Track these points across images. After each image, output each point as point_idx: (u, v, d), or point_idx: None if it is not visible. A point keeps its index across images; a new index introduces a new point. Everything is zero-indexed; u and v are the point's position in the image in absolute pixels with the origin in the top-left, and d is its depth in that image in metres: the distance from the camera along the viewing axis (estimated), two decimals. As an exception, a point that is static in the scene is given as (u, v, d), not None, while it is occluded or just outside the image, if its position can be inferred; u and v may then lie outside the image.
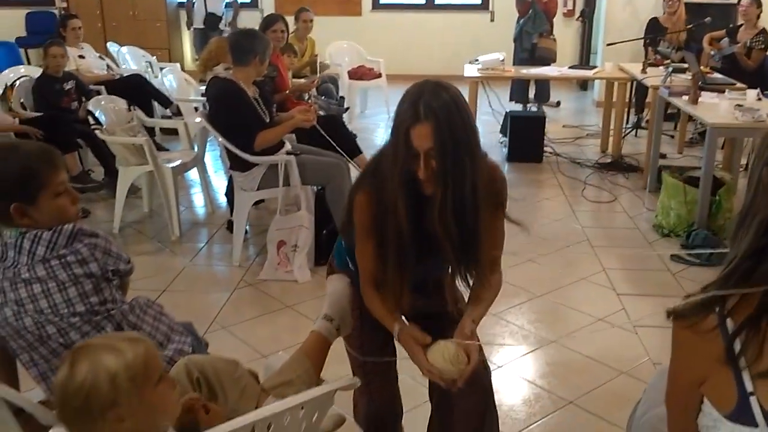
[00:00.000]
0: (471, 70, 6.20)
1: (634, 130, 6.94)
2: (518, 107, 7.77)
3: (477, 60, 6.34)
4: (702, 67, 5.52)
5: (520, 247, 4.25)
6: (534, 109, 7.89)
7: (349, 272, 1.98)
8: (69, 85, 5.02)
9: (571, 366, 3.01)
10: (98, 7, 9.44)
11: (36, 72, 5.67)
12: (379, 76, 7.81)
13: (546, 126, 6.23)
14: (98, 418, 1.26)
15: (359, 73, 7.73)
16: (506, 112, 6.57)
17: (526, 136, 6.11)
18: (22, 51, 9.06)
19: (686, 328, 1.17)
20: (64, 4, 9.79)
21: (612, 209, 5.03)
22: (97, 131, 4.49)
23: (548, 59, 7.41)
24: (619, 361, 3.03)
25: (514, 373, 2.96)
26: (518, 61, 7.64)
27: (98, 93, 5.31)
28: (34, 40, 9.56)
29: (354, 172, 4.37)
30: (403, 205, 1.68)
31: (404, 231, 1.70)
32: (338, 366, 2.09)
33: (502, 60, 6.17)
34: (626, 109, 6.63)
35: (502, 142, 6.60)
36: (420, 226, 1.72)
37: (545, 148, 6.20)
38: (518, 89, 7.96)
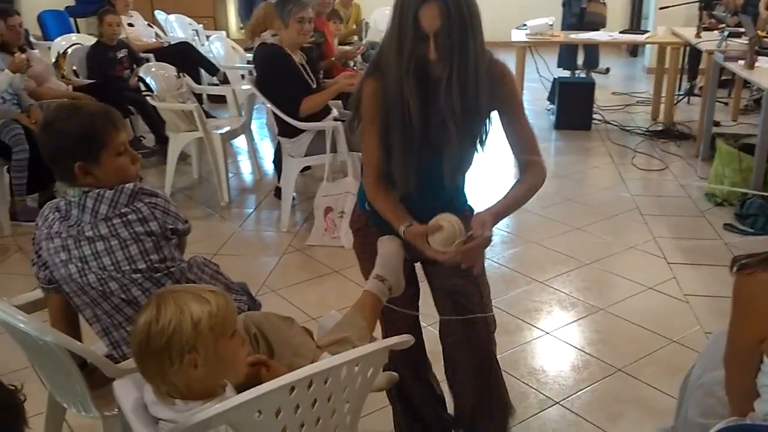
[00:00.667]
0: (518, 36, 6.10)
1: (687, 97, 6.76)
2: (566, 74, 7.63)
3: (524, 25, 6.23)
4: (759, 32, 5.32)
5: (567, 215, 4.22)
6: (582, 75, 7.74)
7: (368, 214, 1.99)
8: (122, 53, 5.10)
9: (620, 334, 2.99)
10: (145, -24, 9.51)
11: (87, 40, 5.77)
12: (425, 42, 7.72)
13: (595, 93, 6.11)
14: (175, 361, 1.31)
15: (404, 40, 7.65)
16: (554, 79, 6.46)
17: (574, 104, 6.01)
18: (71, 20, 9.19)
19: (749, 282, 1.15)
20: (113, -26, 9.90)
21: (663, 177, 4.93)
22: (148, 98, 4.56)
23: (598, 24, 7.25)
24: (669, 329, 2.99)
25: (562, 340, 2.95)
26: (566, 26, 7.49)
27: (147, 60, 5.38)
28: (83, 9, 9.69)
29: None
30: (412, 90, 1.71)
31: (414, 114, 1.73)
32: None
33: (551, 25, 6.04)
34: (679, 76, 6.46)
35: (549, 110, 6.50)
36: (425, 114, 1.75)
37: (594, 116, 6.09)
38: (566, 55, 7.81)
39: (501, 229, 4.06)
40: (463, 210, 2.04)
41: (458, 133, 1.77)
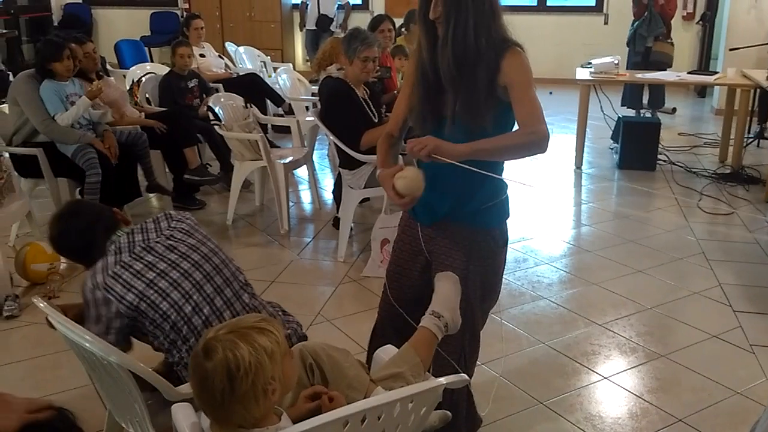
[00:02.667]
0: (583, 74, 6.06)
1: (757, 140, 6.56)
2: (631, 112, 7.52)
3: (590, 63, 6.19)
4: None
5: (629, 257, 4.13)
6: (648, 115, 7.62)
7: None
8: (192, 83, 5.28)
9: (682, 383, 2.89)
10: (218, 8, 9.88)
11: (160, 69, 6.00)
12: (487, 78, 7.75)
13: (660, 133, 5.99)
14: (260, 396, 1.34)
15: (467, 75, 7.69)
16: (618, 118, 6.37)
17: (639, 143, 5.91)
18: (146, 49, 9.59)
19: None
20: (186, 5, 10.31)
21: (730, 222, 4.78)
22: (216, 127, 4.70)
23: (664, 63, 7.14)
24: (733, 380, 2.88)
25: (621, 386, 2.87)
26: (631, 65, 7.41)
27: (217, 90, 5.55)
28: (157, 39, 10.13)
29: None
30: (424, 45, 2.03)
31: (425, 63, 2.03)
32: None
33: (617, 64, 5.98)
34: (748, 118, 6.28)
35: (612, 149, 6.41)
36: (435, 66, 2.02)
37: (659, 156, 5.98)
38: (631, 94, 7.71)
39: (559, 269, 4.01)
40: (478, 208, 2.16)
41: (458, 91, 1.99)
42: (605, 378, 2.92)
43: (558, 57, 9.53)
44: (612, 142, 6.48)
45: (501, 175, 2.19)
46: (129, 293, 1.86)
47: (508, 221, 2.28)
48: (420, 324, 1.82)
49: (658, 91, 7.78)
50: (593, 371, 2.96)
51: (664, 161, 6.02)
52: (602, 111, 6.58)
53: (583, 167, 6.02)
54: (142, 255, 1.91)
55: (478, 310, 2.20)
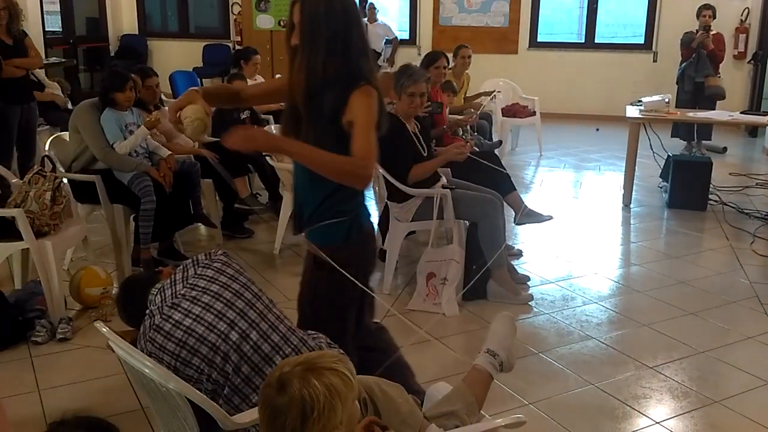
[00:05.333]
0: (633, 112, 6.01)
1: (812, 182, 6.41)
2: (681, 149, 7.45)
3: (639, 101, 6.15)
4: None
5: (680, 299, 4.05)
6: (698, 154, 7.51)
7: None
8: (245, 114, 5.39)
9: (736, 430, 2.81)
10: (268, 41, 10.10)
11: (213, 100, 6.13)
12: (533, 114, 7.77)
13: (712, 173, 5.90)
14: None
15: (513, 111, 7.72)
16: (668, 156, 6.30)
17: (689, 182, 5.82)
18: (199, 80, 9.85)
19: None
20: (238, 38, 10.57)
21: (785, 265, 4.66)
22: (267, 157, 4.78)
23: (719, 96, 7.22)
24: (792, 430, 2.78)
25: (673, 432, 2.80)
26: (681, 102, 7.36)
27: (268, 122, 5.66)
28: (209, 71, 10.40)
29: (508, 210, 4.37)
30: (288, 66, 2.19)
31: (291, 86, 2.19)
32: (492, 402, 2.09)
33: (668, 102, 5.93)
34: (803, 159, 6.16)
35: (662, 187, 6.32)
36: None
37: (710, 196, 5.87)
38: (683, 126, 7.69)
39: (608, 308, 3.95)
40: (310, 216, 2.25)
41: (308, 118, 2.12)
42: (657, 423, 2.85)
43: (605, 94, 9.49)
44: (661, 180, 6.40)
45: (344, 196, 2.23)
46: (165, 355, 1.88)
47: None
48: (474, 362, 1.81)
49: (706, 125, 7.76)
50: (644, 415, 2.90)
51: (715, 201, 5.91)
52: (651, 149, 6.52)
53: (631, 206, 5.94)
54: (170, 314, 1.91)
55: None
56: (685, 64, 7.54)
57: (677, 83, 7.65)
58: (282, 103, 2.42)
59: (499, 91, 6.95)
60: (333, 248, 2.22)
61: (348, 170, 2.04)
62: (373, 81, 2.13)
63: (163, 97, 6.73)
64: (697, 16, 7.55)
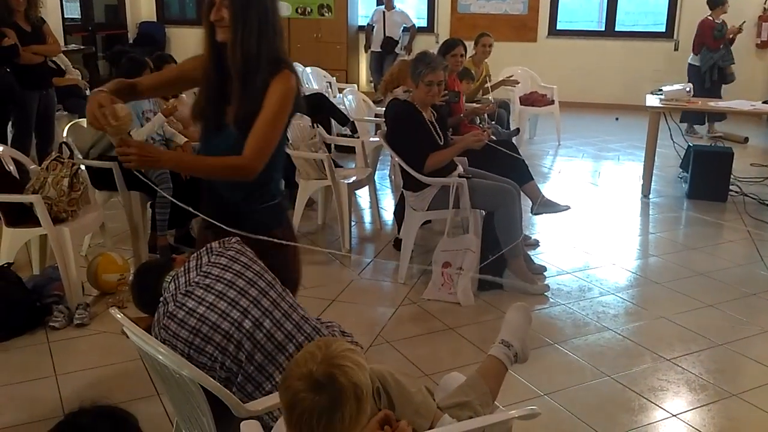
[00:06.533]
0: (653, 101, 5.94)
1: (836, 173, 6.30)
2: (701, 141, 7.36)
3: (660, 90, 6.07)
4: None
5: (698, 290, 4.00)
6: (719, 144, 7.43)
7: None
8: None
9: (754, 424, 2.77)
10: (286, 29, 10.07)
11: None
12: (552, 102, 7.70)
13: (733, 163, 5.82)
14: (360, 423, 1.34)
15: (531, 99, 7.66)
16: (688, 146, 6.22)
17: (710, 173, 5.74)
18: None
19: None
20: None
21: (807, 258, 4.59)
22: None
23: (732, 75, 7.63)
24: (812, 425, 2.74)
25: (690, 425, 2.76)
26: (706, 92, 7.33)
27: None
28: (227, 59, 10.39)
29: (524, 199, 4.33)
30: (206, 47, 2.11)
31: (208, 68, 2.12)
32: (507, 393, 2.07)
33: (689, 91, 5.85)
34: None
35: (682, 178, 6.25)
36: (221, 72, 2.10)
37: (730, 187, 5.79)
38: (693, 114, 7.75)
39: (625, 299, 3.91)
40: (240, 205, 2.20)
41: (240, 99, 2.06)
42: (673, 416, 2.82)
43: (625, 83, 9.38)
44: (681, 170, 6.32)
45: (267, 182, 2.22)
46: (178, 342, 1.88)
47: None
48: (489, 353, 1.80)
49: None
50: (661, 407, 2.87)
51: (736, 192, 5.83)
52: (672, 139, 6.44)
53: (650, 196, 5.88)
54: (184, 302, 1.90)
55: None
56: (717, 54, 7.68)
57: (704, 74, 7.67)
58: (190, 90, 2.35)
59: (517, 82, 6.88)
60: (273, 234, 2.20)
61: (233, 175, 2.09)
62: (291, 65, 2.13)
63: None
64: (720, 4, 7.55)
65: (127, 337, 1.85)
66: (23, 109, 5.35)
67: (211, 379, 1.74)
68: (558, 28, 9.90)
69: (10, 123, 5.49)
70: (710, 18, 7.77)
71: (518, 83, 6.79)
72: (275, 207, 2.25)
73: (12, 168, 3.80)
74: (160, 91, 2.48)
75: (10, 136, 5.41)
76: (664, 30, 9.56)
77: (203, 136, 2.25)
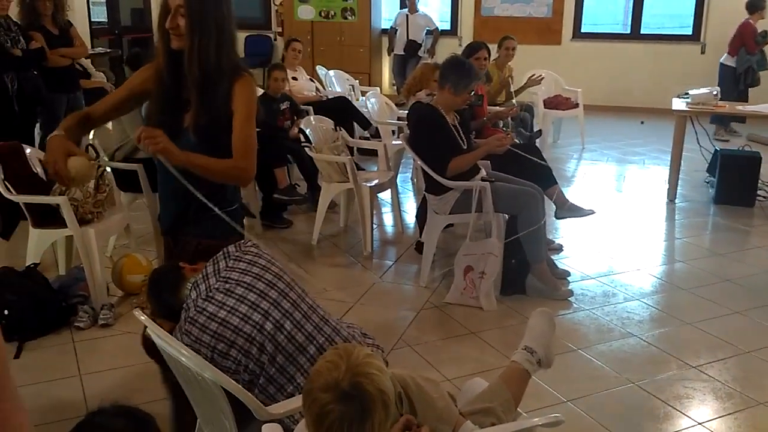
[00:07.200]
0: (679, 104, 5.86)
1: None
2: (729, 146, 7.25)
3: (686, 94, 5.99)
4: None
5: (725, 297, 3.94)
6: (747, 148, 7.31)
7: None
8: (284, 105, 5.41)
9: (784, 434, 2.72)
10: (309, 32, 10.13)
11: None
12: (576, 106, 7.64)
13: (761, 168, 5.72)
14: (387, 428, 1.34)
15: (555, 103, 7.61)
16: (715, 150, 6.13)
17: (737, 178, 5.65)
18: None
19: None
20: (279, 29, 10.62)
21: (837, 264, 4.50)
22: (306, 148, 4.79)
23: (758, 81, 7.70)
24: (843, 436, 2.69)
25: (716, 434, 2.73)
26: (737, 95, 7.31)
27: (307, 113, 5.67)
28: (251, 62, 10.44)
29: (548, 203, 4.30)
30: (161, 55, 2.10)
31: (162, 77, 2.12)
32: (530, 399, 2.05)
33: (716, 95, 5.76)
34: None
35: (708, 182, 6.16)
36: (177, 79, 2.10)
37: (758, 192, 5.70)
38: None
39: (650, 305, 3.86)
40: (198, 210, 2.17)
41: (200, 107, 2.06)
42: (699, 423, 2.78)
43: (651, 86, 9.28)
44: (708, 175, 6.23)
45: (225, 188, 2.24)
46: (201, 347, 1.88)
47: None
48: (512, 359, 1.78)
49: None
50: (686, 415, 2.83)
51: (764, 197, 5.74)
52: (698, 143, 6.35)
53: (676, 201, 5.80)
54: (205, 306, 1.91)
55: None
56: (754, 58, 7.77)
57: (739, 77, 7.68)
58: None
59: (542, 77, 6.79)
60: (227, 240, 2.19)
61: (234, 175, 2.14)
62: (248, 70, 2.16)
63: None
64: (759, 9, 7.75)
65: (145, 340, 1.87)
66: (50, 112, 5.42)
67: (233, 381, 1.75)
68: (582, 31, 9.82)
69: (37, 125, 5.57)
70: (750, 21, 7.84)
71: (542, 77, 6.70)
72: (233, 214, 2.24)
73: (39, 170, 3.85)
74: (114, 113, 2.37)
75: (37, 138, 5.49)
76: (690, 33, 9.45)
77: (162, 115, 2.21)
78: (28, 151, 3.94)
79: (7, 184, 3.64)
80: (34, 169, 3.81)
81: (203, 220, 2.20)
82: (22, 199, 3.63)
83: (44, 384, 3.00)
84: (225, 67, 2.07)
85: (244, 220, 5.12)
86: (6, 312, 3.35)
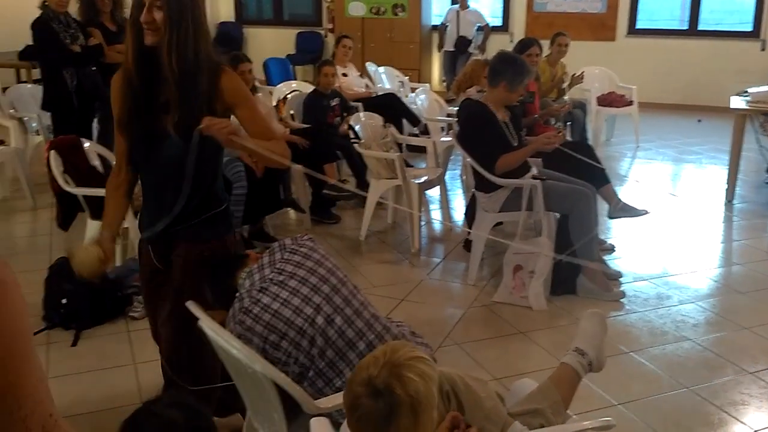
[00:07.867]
0: (738, 103, 5.69)
1: None
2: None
3: (746, 92, 5.80)
4: None
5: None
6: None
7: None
8: (334, 102, 5.44)
9: None
10: (360, 29, 10.15)
11: (305, 87, 6.22)
12: (630, 103, 7.48)
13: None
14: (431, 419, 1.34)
15: (608, 100, 7.46)
16: (776, 150, 5.93)
17: (799, 178, 5.46)
18: (291, 67, 10.02)
19: None
20: (330, 26, 10.68)
21: None
22: (355, 145, 4.81)
23: None
24: None
25: (774, 443, 2.64)
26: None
27: (357, 109, 5.69)
28: (302, 58, 10.56)
29: (601, 203, 4.22)
30: (131, 52, 1.99)
31: (131, 76, 2.02)
32: (579, 402, 2.02)
33: (777, 93, 5.57)
34: None
35: (768, 183, 5.97)
36: (148, 78, 2.01)
37: (821, 193, 5.50)
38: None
39: (706, 309, 3.76)
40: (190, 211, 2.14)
41: (179, 104, 1.98)
42: (755, 431, 2.69)
43: (708, 84, 9.03)
44: (767, 175, 6.03)
45: (215, 187, 2.20)
46: (254, 337, 1.90)
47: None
48: (562, 360, 1.75)
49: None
50: (742, 422, 2.74)
51: (828, 199, 5.53)
52: (758, 142, 6.15)
53: (734, 202, 5.63)
54: (259, 297, 1.93)
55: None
56: None
57: None
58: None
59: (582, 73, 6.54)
60: (222, 240, 2.19)
61: (284, 151, 2.15)
62: (225, 62, 2.14)
63: (257, 83, 6.88)
64: None
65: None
66: (108, 107, 5.55)
67: (282, 374, 1.77)
68: (638, 27, 9.60)
69: (95, 120, 5.72)
70: None
71: (583, 72, 6.43)
72: (222, 214, 2.22)
73: (97, 163, 3.95)
74: (128, 165, 2.24)
75: (95, 132, 5.64)
76: (751, 29, 9.15)
77: (137, 149, 2.12)
78: (86, 145, 4.05)
79: (66, 176, 3.75)
80: (91, 163, 3.92)
81: (190, 223, 2.15)
82: (80, 191, 3.73)
83: (100, 372, 3.08)
84: (203, 62, 2.00)
85: (293, 214, 5.20)
86: (64, 301, 3.46)
